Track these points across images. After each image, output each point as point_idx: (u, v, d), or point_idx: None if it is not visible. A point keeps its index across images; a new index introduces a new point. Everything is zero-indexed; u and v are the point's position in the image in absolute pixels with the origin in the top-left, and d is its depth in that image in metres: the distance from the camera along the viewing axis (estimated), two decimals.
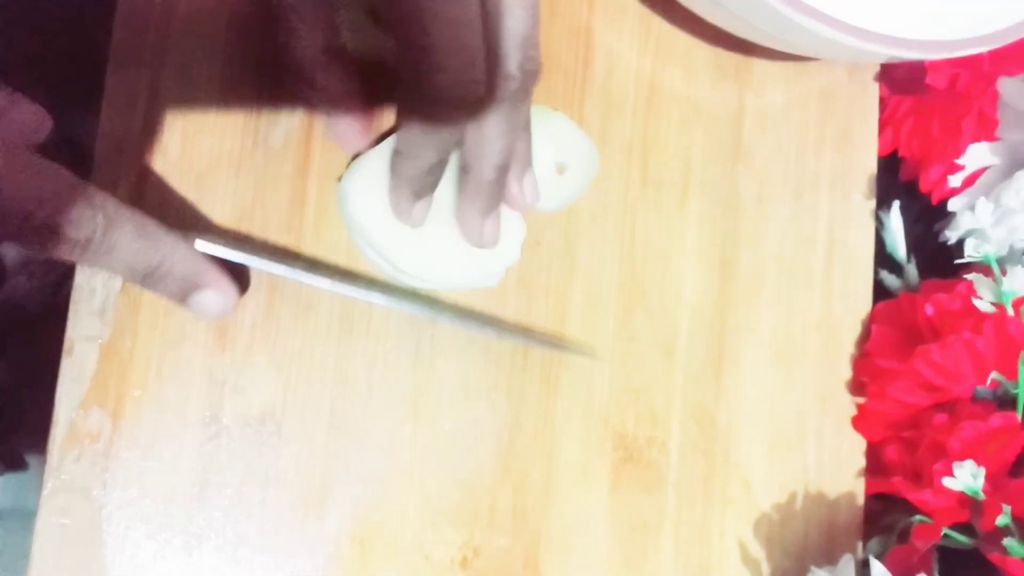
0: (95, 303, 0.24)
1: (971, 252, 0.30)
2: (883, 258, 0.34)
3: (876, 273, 0.34)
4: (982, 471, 0.27)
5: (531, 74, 0.21)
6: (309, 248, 0.26)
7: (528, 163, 0.25)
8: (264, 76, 0.26)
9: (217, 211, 0.25)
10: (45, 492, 0.23)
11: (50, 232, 0.19)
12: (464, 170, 0.23)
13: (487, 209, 0.24)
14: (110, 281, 0.24)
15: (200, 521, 0.24)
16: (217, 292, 0.23)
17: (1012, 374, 0.29)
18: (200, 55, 0.26)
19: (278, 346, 0.25)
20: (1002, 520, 0.27)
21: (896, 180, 0.36)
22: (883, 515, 0.32)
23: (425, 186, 0.24)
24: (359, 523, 0.26)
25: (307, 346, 0.26)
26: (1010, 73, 0.31)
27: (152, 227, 0.21)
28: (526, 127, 0.24)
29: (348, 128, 0.24)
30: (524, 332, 0.28)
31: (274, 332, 0.25)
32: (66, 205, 0.19)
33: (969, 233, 0.30)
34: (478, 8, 0.19)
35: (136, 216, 0.21)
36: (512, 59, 0.21)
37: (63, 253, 0.20)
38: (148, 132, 0.25)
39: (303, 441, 0.25)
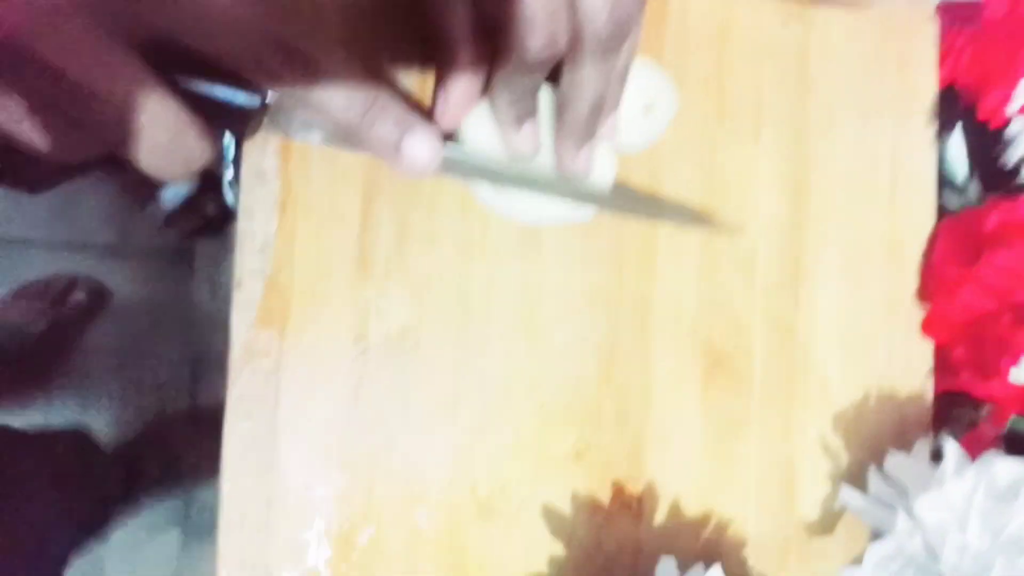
0: (256, 242, 0.28)
1: None
2: (945, 182, 0.36)
3: (939, 196, 0.36)
4: None
5: (619, 27, 0.22)
6: (429, 192, 0.30)
7: (614, 107, 0.28)
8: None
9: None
10: (229, 402, 0.28)
11: (286, 52, 0.21)
12: (560, 107, 0.26)
13: (581, 142, 0.27)
14: (267, 223, 0.28)
15: (355, 423, 0.29)
16: (426, 138, 0.24)
17: None
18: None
19: (409, 273, 0.29)
20: None
21: (955, 109, 0.37)
22: (949, 413, 0.35)
23: (525, 110, 0.26)
24: (486, 424, 0.30)
25: (434, 272, 0.29)
26: None
27: (359, 68, 0.22)
28: (621, 75, 0.26)
29: (465, 98, 0.26)
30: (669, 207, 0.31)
31: (405, 261, 0.29)
32: (295, 25, 0.20)
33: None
34: None
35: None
36: (598, 14, 0.22)
37: (290, 78, 0.21)
38: None
39: (434, 355, 0.29)
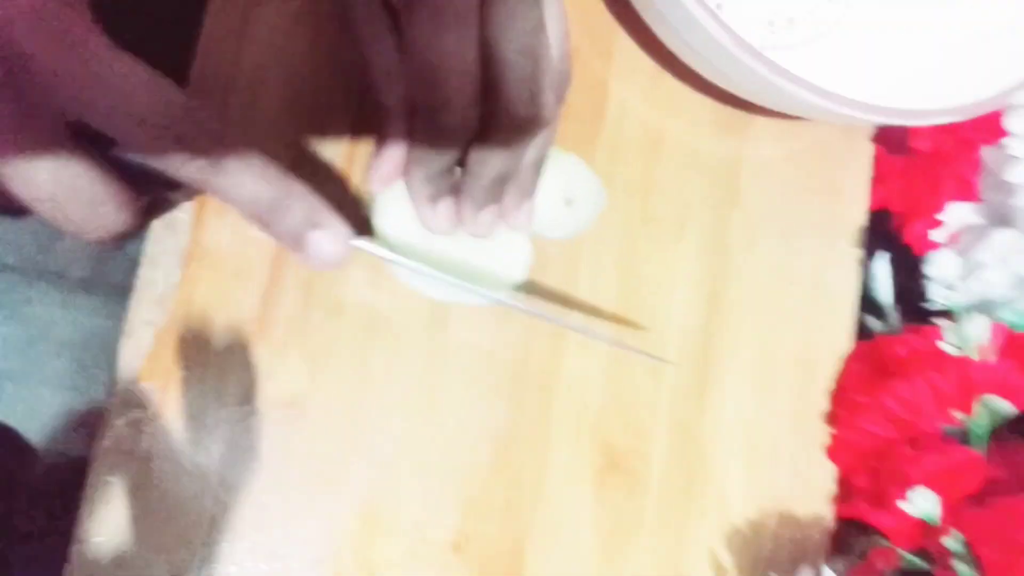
0: (155, 293, 0.28)
1: (939, 300, 0.32)
2: (869, 304, 0.37)
3: (862, 319, 0.36)
4: (937, 498, 0.30)
5: (534, 119, 0.23)
6: None
7: (528, 192, 0.28)
8: (318, 114, 0.30)
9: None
10: (98, 452, 0.27)
11: (187, 145, 0.20)
12: (465, 177, 0.26)
13: (480, 206, 0.27)
14: (169, 275, 0.28)
15: (227, 488, 0.28)
16: (334, 234, 0.24)
17: (969, 413, 0.32)
18: (262, 100, 0.30)
19: (309, 341, 0.29)
20: (954, 545, 0.29)
21: (888, 232, 0.38)
22: (850, 539, 0.34)
23: (439, 188, 0.27)
24: (367, 502, 0.29)
25: (336, 341, 0.29)
26: (989, 141, 0.33)
27: (268, 160, 0.23)
28: (534, 164, 0.27)
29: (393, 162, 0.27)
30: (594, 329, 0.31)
31: (307, 328, 0.29)
32: (204, 119, 0.21)
33: (939, 284, 0.33)
34: (475, 56, 0.22)
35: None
36: (516, 103, 0.23)
37: (193, 169, 0.21)
38: None
39: (322, 426, 0.29)
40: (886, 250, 0.37)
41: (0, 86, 0.19)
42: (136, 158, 0.21)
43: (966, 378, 0.31)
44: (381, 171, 0.27)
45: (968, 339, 0.31)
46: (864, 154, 0.37)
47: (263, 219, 0.23)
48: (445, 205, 0.28)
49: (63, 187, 0.20)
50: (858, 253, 0.36)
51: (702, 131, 0.34)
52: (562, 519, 0.31)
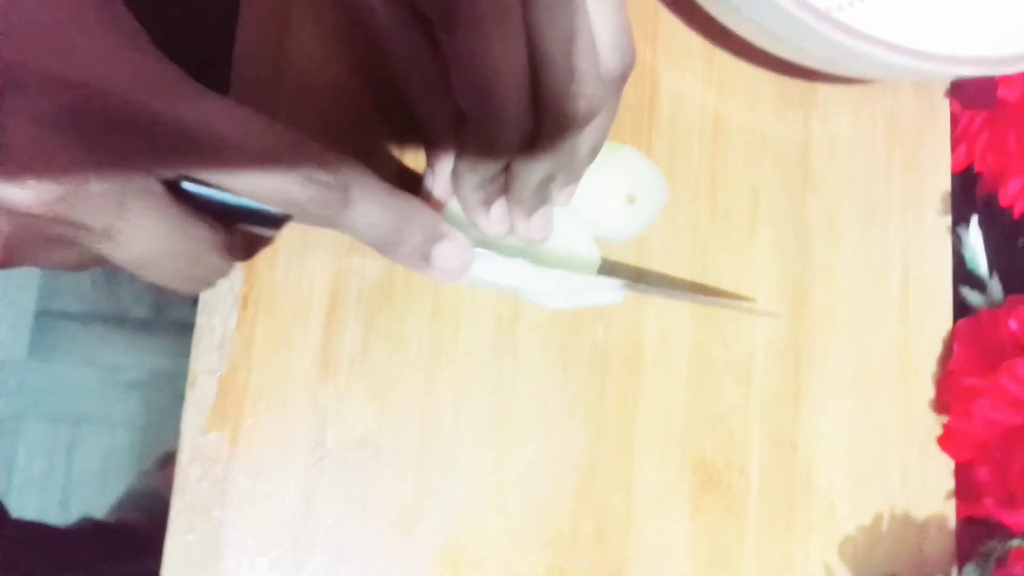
0: (214, 339, 0.27)
1: None
2: (964, 275, 0.34)
3: (957, 291, 0.33)
4: None
5: (584, 115, 0.22)
6: (399, 294, 0.28)
7: (574, 180, 0.27)
8: (361, 132, 0.29)
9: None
10: (172, 512, 0.26)
11: (313, 183, 0.20)
12: (511, 178, 0.25)
13: (530, 211, 0.26)
14: (226, 320, 0.27)
15: (305, 539, 0.27)
16: (457, 244, 0.24)
17: None
18: (309, 96, 0.29)
19: (373, 377, 0.27)
20: None
21: (974, 195, 0.35)
22: (980, 540, 0.31)
23: (491, 193, 0.25)
24: (448, 545, 0.27)
25: (399, 377, 0.28)
26: None
27: (385, 183, 0.23)
28: (590, 152, 0.25)
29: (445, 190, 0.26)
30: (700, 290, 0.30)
31: (370, 365, 0.28)
32: (325, 155, 0.20)
33: None
34: (524, 60, 0.20)
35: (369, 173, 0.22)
36: (557, 105, 0.21)
37: (320, 209, 0.21)
38: None
39: (396, 466, 0.27)
40: (977, 215, 0.34)
41: (98, 149, 0.18)
42: (238, 201, 0.20)
43: None
44: (437, 190, 0.26)
45: None
46: (941, 114, 0.33)
47: (387, 243, 0.24)
48: (498, 207, 0.26)
49: (173, 245, 0.20)
50: (947, 223, 0.33)
51: (764, 108, 0.32)
52: (658, 545, 0.28)
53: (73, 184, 0.17)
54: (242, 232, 0.22)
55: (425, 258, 0.24)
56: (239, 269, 0.28)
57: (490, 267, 0.27)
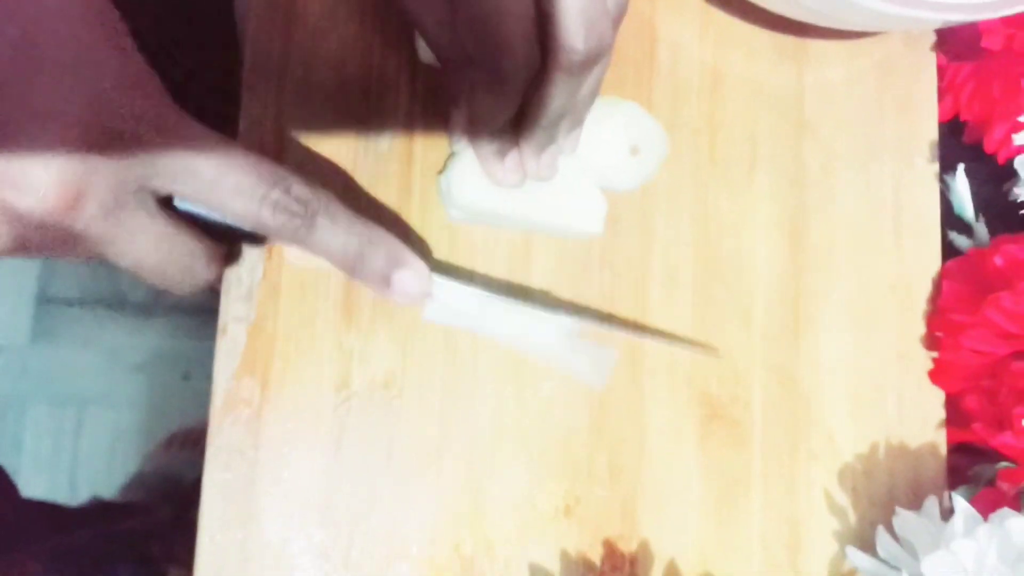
0: (242, 289, 0.28)
1: None
2: (953, 220, 0.36)
3: (945, 235, 0.35)
4: None
5: (592, 51, 0.23)
6: (417, 229, 0.29)
7: (579, 123, 0.28)
8: (371, 93, 0.30)
9: None
10: (209, 452, 0.27)
11: (281, 209, 0.23)
12: (521, 118, 0.26)
13: (540, 149, 0.28)
14: (253, 271, 0.28)
15: (336, 474, 0.28)
16: (415, 271, 0.26)
17: None
18: (316, 78, 0.30)
19: (395, 320, 0.29)
20: None
21: (961, 143, 0.37)
22: (968, 466, 0.33)
23: (506, 142, 0.27)
24: (473, 477, 0.29)
25: (419, 320, 0.29)
26: None
27: (351, 212, 0.25)
28: (588, 96, 0.26)
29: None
30: (638, 328, 0.31)
31: (391, 308, 0.29)
32: (294, 185, 0.24)
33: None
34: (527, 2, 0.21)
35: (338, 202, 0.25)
36: (573, 38, 0.22)
37: (287, 231, 0.24)
38: (277, 147, 0.29)
39: (421, 404, 0.29)
40: (964, 162, 0.35)
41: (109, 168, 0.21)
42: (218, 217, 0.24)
43: None
44: (461, 123, 0.28)
45: None
46: (929, 65, 0.35)
47: (351, 266, 0.26)
48: (511, 158, 0.28)
49: (163, 254, 0.23)
50: (935, 169, 0.34)
51: (760, 61, 0.33)
52: (669, 475, 0.30)
53: (74, 193, 0.20)
54: (230, 244, 0.26)
55: (386, 282, 0.26)
56: None
57: (449, 298, 0.29)
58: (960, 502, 0.28)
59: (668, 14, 0.33)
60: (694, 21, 0.33)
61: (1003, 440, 0.30)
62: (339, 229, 0.25)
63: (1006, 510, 0.27)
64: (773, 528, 0.30)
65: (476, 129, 0.27)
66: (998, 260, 0.31)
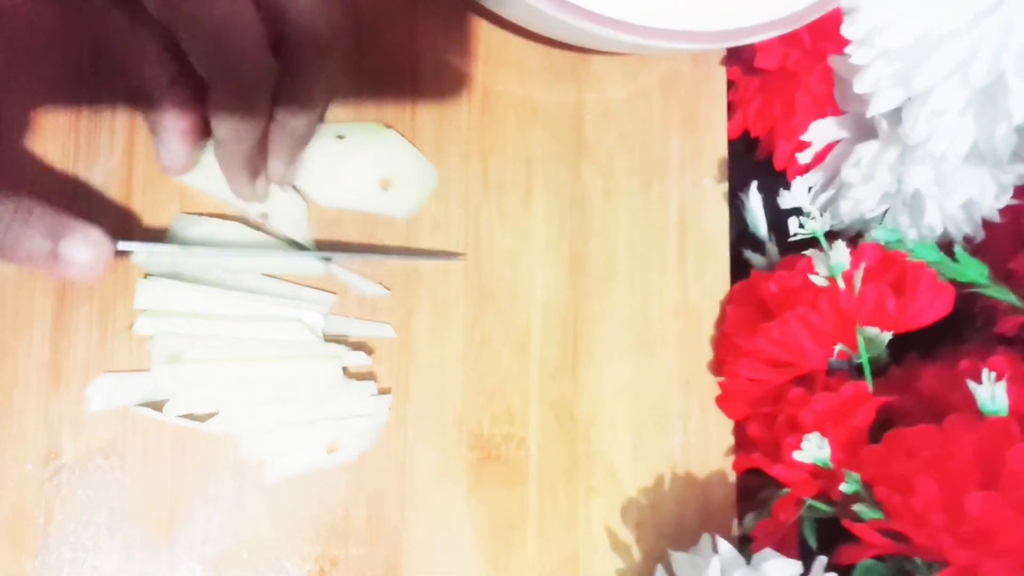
0: None
1: (796, 229, 0.30)
2: (748, 238, 0.35)
3: (741, 253, 0.34)
4: (826, 442, 0.28)
5: (333, 30, 0.23)
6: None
7: (299, 145, 0.26)
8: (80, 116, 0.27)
9: None
10: None
11: None
12: (276, 126, 0.25)
13: (293, 155, 0.26)
14: None
15: (50, 555, 0.25)
16: (85, 238, 0.22)
17: (854, 345, 0.30)
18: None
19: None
20: (849, 487, 0.27)
21: (754, 160, 0.36)
22: (760, 490, 0.33)
23: (258, 164, 0.25)
24: (211, 545, 0.26)
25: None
26: (835, 50, 0.31)
27: None
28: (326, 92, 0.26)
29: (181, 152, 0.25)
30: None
31: (110, 364, 0.26)
32: None
33: (796, 211, 0.31)
34: (252, 10, 0.21)
35: None
36: (305, 21, 0.22)
37: None
38: None
39: (147, 469, 0.26)
40: (759, 178, 0.35)
41: None
42: None
43: (838, 310, 0.29)
44: (172, 153, 0.25)
45: (834, 267, 0.29)
46: (718, 80, 0.34)
47: (3, 247, 0.22)
48: (264, 179, 0.26)
49: None
50: (724, 188, 0.34)
51: (534, 80, 0.31)
52: (437, 525, 0.28)
53: None
54: None
55: (55, 257, 0.22)
56: None
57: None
58: (722, 544, 0.27)
59: (431, 29, 0.30)
60: (461, 38, 0.31)
61: (776, 469, 0.29)
62: None
63: (767, 551, 0.27)
64: (551, 569, 0.29)
65: (227, 153, 0.25)
66: (772, 286, 0.30)
